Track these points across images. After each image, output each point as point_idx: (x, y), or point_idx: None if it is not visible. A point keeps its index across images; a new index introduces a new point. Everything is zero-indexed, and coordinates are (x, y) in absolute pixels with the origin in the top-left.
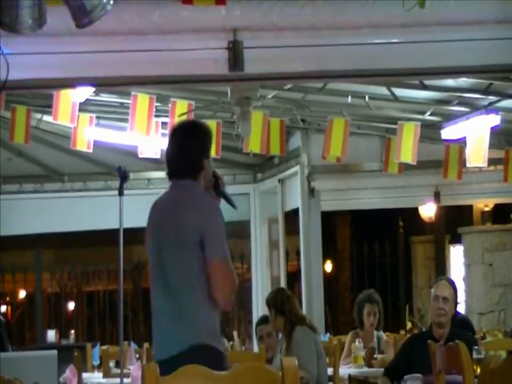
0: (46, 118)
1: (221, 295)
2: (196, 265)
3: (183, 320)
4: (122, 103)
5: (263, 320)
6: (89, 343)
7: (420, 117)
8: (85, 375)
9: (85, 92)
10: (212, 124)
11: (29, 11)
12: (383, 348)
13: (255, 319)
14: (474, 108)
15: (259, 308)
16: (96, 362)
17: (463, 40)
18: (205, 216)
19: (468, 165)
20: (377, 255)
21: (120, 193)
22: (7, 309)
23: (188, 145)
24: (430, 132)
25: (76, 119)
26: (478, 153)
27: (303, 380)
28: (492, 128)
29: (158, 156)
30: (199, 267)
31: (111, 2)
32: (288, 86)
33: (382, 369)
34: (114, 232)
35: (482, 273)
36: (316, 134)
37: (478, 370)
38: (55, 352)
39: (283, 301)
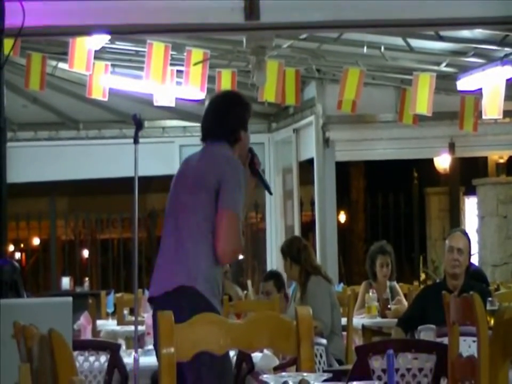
0: (62, 65)
1: (220, 247)
2: (207, 210)
3: (181, 261)
4: (137, 51)
5: (265, 278)
6: (104, 291)
7: (435, 68)
8: (99, 322)
9: (101, 40)
10: (227, 72)
11: None
12: (395, 303)
13: (269, 268)
14: (490, 59)
15: (273, 258)
16: (111, 310)
17: None
18: (228, 168)
19: (483, 116)
20: (391, 206)
21: (135, 141)
22: (21, 256)
23: (227, 113)
24: (445, 83)
25: (91, 66)
26: (493, 105)
27: (316, 329)
28: (507, 80)
29: (173, 104)
30: (210, 214)
31: None
32: (304, 35)
33: (396, 320)
34: (129, 180)
35: (496, 225)
36: (331, 84)
37: (492, 321)
38: (70, 299)
39: (299, 250)
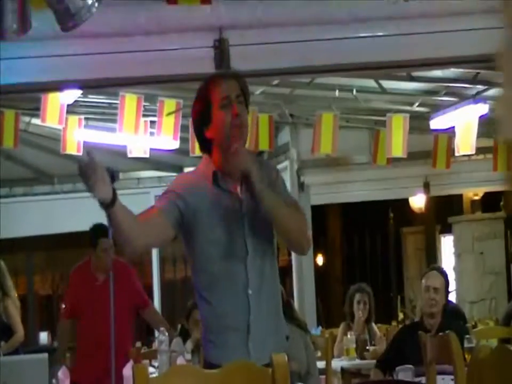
0: (35, 121)
1: None
2: None
3: None
4: (110, 104)
5: None
6: None
7: (408, 108)
8: None
9: (73, 93)
10: None
11: (13, 16)
12: (375, 343)
13: None
14: (463, 97)
15: None
16: None
17: (448, 31)
18: None
19: (456, 153)
20: (368, 247)
21: None
22: None
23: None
24: (418, 123)
25: (64, 120)
26: (466, 142)
27: (293, 368)
28: (480, 117)
29: (147, 155)
30: None
31: (96, 4)
32: (276, 81)
33: (374, 361)
34: None
35: (473, 261)
36: (304, 129)
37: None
38: (45, 355)
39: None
